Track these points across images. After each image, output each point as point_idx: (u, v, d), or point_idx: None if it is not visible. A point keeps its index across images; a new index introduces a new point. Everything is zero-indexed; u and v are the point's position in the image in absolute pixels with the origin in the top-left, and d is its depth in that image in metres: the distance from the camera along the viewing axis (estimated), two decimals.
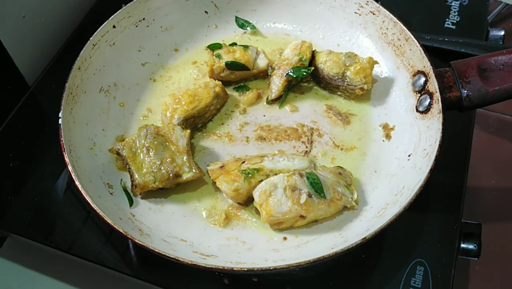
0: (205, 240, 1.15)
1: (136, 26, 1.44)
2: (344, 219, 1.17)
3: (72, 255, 1.22)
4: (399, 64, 1.37)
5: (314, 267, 1.20)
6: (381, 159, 1.27)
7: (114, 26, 1.38)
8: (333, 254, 1.00)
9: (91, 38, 1.33)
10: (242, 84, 1.42)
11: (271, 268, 1.00)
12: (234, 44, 1.42)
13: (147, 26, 1.46)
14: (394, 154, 1.26)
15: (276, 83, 1.36)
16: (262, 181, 1.15)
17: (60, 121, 1.18)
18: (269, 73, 1.39)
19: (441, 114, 1.17)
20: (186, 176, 1.18)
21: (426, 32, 1.57)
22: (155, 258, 1.05)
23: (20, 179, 1.32)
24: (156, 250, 1.01)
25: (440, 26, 1.63)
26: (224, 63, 1.36)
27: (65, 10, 1.62)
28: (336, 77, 1.34)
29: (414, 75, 1.31)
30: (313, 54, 1.39)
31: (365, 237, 1.02)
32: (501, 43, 1.62)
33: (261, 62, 1.40)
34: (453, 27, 1.62)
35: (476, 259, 1.25)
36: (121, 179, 1.23)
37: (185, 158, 1.19)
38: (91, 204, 1.06)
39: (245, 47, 1.40)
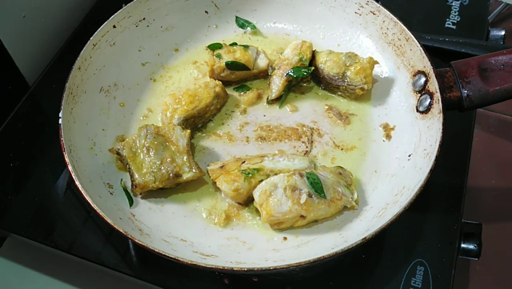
0: (205, 240, 1.15)
1: (137, 26, 1.43)
2: (344, 219, 1.17)
3: (72, 255, 1.21)
4: (400, 64, 1.36)
5: (315, 267, 1.19)
6: (381, 159, 1.27)
7: (114, 26, 1.37)
8: (333, 254, 1.00)
9: (91, 38, 1.32)
10: (243, 84, 1.42)
11: (271, 268, 1.00)
12: (234, 44, 1.41)
13: (148, 26, 1.45)
14: (394, 154, 1.26)
15: (277, 83, 1.35)
16: (262, 181, 1.15)
17: (60, 121, 1.17)
18: (269, 73, 1.39)
19: (441, 115, 1.17)
20: (186, 176, 1.18)
21: (427, 32, 1.56)
22: (155, 258, 1.05)
23: (20, 179, 1.32)
24: (156, 250, 1.01)
25: (440, 26, 1.63)
26: (224, 63, 1.36)
27: (65, 10, 1.61)
28: (336, 77, 1.34)
29: (414, 75, 1.31)
30: (313, 54, 1.38)
31: (365, 237, 1.01)
32: (502, 43, 1.61)
33: (262, 62, 1.40)
34: (454, 27, 1.61)
35: (477, 259, 1.25)
36: (121, 179, 1.22)
37: (185, 157, 1.19)
38: (91, 204, 1.06)
39: (245, 47, 1.39)
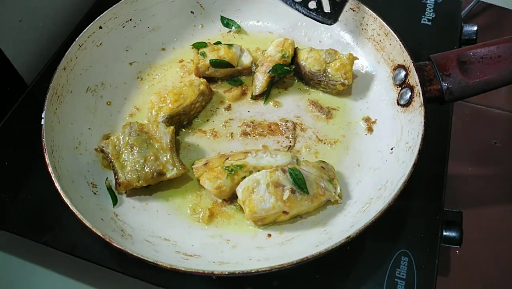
0: (189, 238, 1.00)
1: (123, 27, 1.28)
2: (328, 214, 1.03)
3: (72, 255, 1.04)
4: (380, 58, 1.23)
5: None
6: (364, 153, 1.13)
7: (100, 27, 1.23)
8: (317, 254, 0.87)
9: (76, 39, 1.18)
10: (235, 78, 1.27)
11: (253, 271, 0.85)
12: (218, 42, 1.28)
13: (134, 26, 1.30)
14: (376, 147, 1.13)
15: (260, 80, 1.21)
16: (245, 177, 1.01)
17: (42, 122, 1.04)
18: (253, 70, 1.25)
19: (422, 108, 1.05)
20: (170, 174, 1.04)
21: (404, 28, 1.41)
22: None
23: (18, 179, 1.15)
24: (134, 254, 0.85)
25: (416, 23, 1.48)
26: (209, 61, 1.22)
27: (62, 14, 1.46)
28: (317, 74, 1.21)
29: (394, 69, 1.18)
30: (295, 51, 1.25)
31: (350, 236, 0.88)
32: (475, 37, 1.47)
33: (246, 60, 1.26)
34: (429, 23, 1.48)
35: (458, 246, 1.11)
36: (107, 178, 1.07)
37: (168, 155, 1.04)
38: (69, 206, 0.91)
39: (230, 45, 1.26)
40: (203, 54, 1.22)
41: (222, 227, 1.02)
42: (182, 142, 1.16)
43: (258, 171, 1.02)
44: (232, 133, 1.17)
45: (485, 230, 1.37)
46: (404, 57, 1.14)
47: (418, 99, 1.06)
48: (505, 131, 1.63)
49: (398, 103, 1.13)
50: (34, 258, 1.13)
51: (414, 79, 1.09)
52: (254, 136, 1.16)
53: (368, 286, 1.00)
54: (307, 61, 1.21)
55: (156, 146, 1.05)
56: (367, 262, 1.05)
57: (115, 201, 1.03)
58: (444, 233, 1.09)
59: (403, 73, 1.14)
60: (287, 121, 1.19)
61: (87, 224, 0.88)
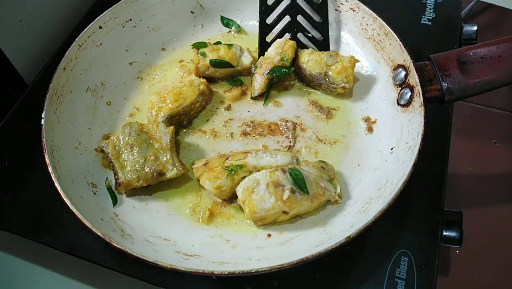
0: (189, 238, 1.00)
1: (123, 27, 1.28)
2: (328, 214, 1.03)
3: (72, 255, 1.05)
4: (380, 58, 1.23)
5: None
6: (364, 152, 1.13)
7: (100, 27, 1.23)
8: (316, 254, 0.87)
9: (76, 39, 1.18)
10: (235, 78, 1.27)
11: (253, 271, 0.85)
12: (218, 42, 1.28)
13: (134, 26, 1.30)
14: (376, 147, 1.12)
15: (258, 81, 1.21)
16: (245, 177, 1.01)
17: (42, 122, 1.04)
18: (252, 71, 1.25)
19: (422, 108, 1.05)
20: (170, 174, 1.04)
21: (404, 28, 1.41)
22: None
23: (18, 179, 1.16)
24: (134, 254, 0.86)
25: (416, 23, 1.48)
26: (208, 61, 1.22)
27: (62, 14, 1.47)
28: (318, 77, 1.21)
29: (394, 69, 1.18)
30: (296, 53, 1.25)
31: (349, 236, 0.88)
32: (475, 37, 1.48)
33: (246, 60, 1.26)
34: (429, 23, 1.48)
35: (458, 246, 1.11)
36: (107, 178, 1.08)
37: (168, 155, 1.05)
38: (69, 206, 0.92)
39: (229, 45, 1.26)
40: (203, 54, 1.22)
41: (222, 227, 1.02)
42: (182, 142, 1.16)
43: (258, 171, 1.02)
44: (232, 133, 1.17)
45: (485, 230, 1.37)
46: (404, 57, 1.14)
47: (418, 99, 1.06)
48: (505, 131, 1.64)
49: (398, 103, 1.13)
50: (34, 258, 1.13)
51: (414, 79, 1.09)
52: (254, 136, 1.16)
53: (368, 286, 1.00)
54: (308, 63, 1.21)
55: (156, 146, 1.05)
56: (367, 262, 1.05)
57: (115, 201, 1.03)
58: (444, 233, 1.10)
59: (403, 73, 1.14)
60: (287, 121, 1.18)
61: (87, 224, 0.89)
